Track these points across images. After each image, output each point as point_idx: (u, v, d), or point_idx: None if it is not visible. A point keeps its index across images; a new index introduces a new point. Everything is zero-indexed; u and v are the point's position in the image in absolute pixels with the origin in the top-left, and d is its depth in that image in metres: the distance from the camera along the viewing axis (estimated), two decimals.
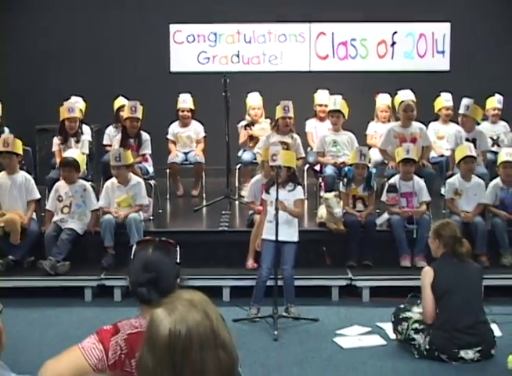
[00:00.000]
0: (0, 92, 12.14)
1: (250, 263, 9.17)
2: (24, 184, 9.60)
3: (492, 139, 11.13)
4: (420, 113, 11.12)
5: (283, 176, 8.42)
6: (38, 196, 9.66)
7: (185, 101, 11.68)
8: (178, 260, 4.07)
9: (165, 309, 2.61)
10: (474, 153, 9.62)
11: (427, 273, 7.28)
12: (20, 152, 9.75)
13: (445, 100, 11.55)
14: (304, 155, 10.75)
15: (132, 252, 4.03)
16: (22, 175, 9.70)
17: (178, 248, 4.11)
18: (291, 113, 10.57)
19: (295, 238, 8.46)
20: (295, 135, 10.64)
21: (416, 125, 10.59)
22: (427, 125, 11.11)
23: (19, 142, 9.79)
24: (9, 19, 13.29)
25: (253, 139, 11.35)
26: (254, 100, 11.67)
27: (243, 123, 11.58)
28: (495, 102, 11.48)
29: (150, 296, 3.66)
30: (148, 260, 3.89)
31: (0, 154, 9.64)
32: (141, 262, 3.89)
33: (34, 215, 9.62)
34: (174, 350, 2.51)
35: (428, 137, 10.71)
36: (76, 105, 11.14)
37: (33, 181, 9.75)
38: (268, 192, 8.51)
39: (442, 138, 11.26)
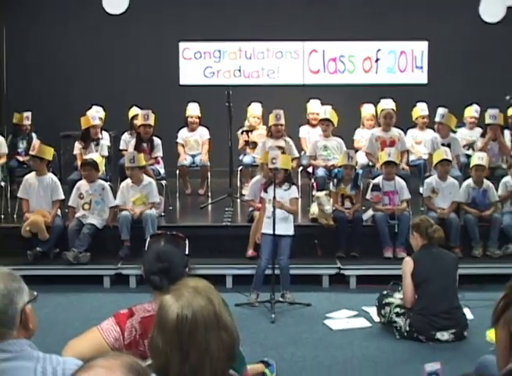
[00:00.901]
0: (29, 102, 12.14)
1: (250, 253, 9.19)
2: (50, 185, 9.58)
3: (468, 143, 11.14)
4: (402, 121, 11.18)
5: (280, 177, 8.45)
6: (62, 196, 9.64)
7: (194, 109, 11.68)
8: (186, 252, 4.08)
9: (173, 295, 2.62)
10: (449, 157, 9.66)
11: (408, 263, 7.30)
12: (47, 157, 9.71)
13: (420, 110, 11.61)
14: (297, 156, 10.75)
15: (146, 244, 4.04)
16: (49, 177, 9.68)
17: (187, 241, 4.12)
18: (282, 121, 10.59)
19: (291, 232, 8.46)
20: (288, 139, 10.65)
21: (394, 130, 10.84)
22: (405, 131, 11.16)
23: (47, 149, 9.76)
24: (40, 38, 13.26)
25: (250, 144, 11.36)
26: (256, 109, 11.68)
27: (242, 129, 11.59)
28: (472, 111, 11.57)
29: (162, 283, 3.67)
30: (160, 251, 3.90)
31: (30, 157, 9.71)
32: (154, 253, 3.90)
33: (59, 212, 9.61)
34: (182, 332, 2.52)
35: (405, 143, 10.89)
36: (96, 114, 11.16)
37: (58, 182, 9.72)
38: (266, 191, 8.51)
39: (420, 143, 11.29)
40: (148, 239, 4.11)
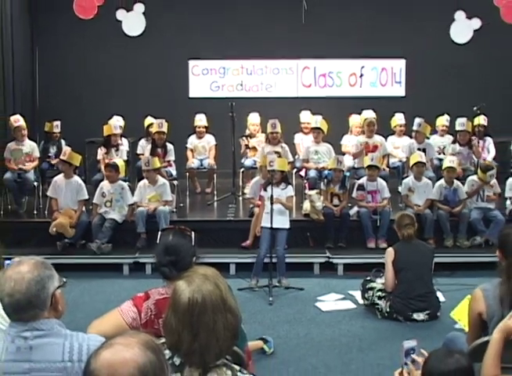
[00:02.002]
0: (58, 112, 12.12)
1: (246, 243, 9.18)
2: (76, 187, 9.57)
3: (439, 148, 11.14)
4: (383, 129, 11.18)
5: (278, 178, 8.48)
6: (87, 196, 9.62)
7: (201, 120, 11.66)
8: (193, 243, 4.07)
9: (185, 281, 2.62)
10: (423, 160, 9.69)
11: (389, 253, 7.34)
12: (75, 163, 9.74)
13: (398, 119, 11.62)
14: (292, 160, 10.70)
15: (158, 238, 4.04)
16: (75, 180, 9.67)
17: (193, 234, 4.11)
18: (278, 129, 10.56)
19: (287, 225, 8.47)
20: (284, 145, 10.63)
21: (377, 137, 10.95)
22: (386, 138, 11.17)
23: (75, 156, 9.78)
24: (67, 57, 13.26)
25: (250, 148, 11.36)
26: (254, 119, 11.66)
27: (243, 136, 11.59)
28: (444, 120, 11.55)
29: (171, 274, 3.68)
30: (168, 245, 3.90)
31: (60, 162, 9.77)
32: (163, 247, 3.90)
33: (84, 208, 9.61)
34: (192, 313, 2.53)
35: (386, 148, 10.96)
36: (117, 123, 11.17)
37: (83, 184, 9.71)
38: (265, 190, 8.51)
39: (398, 148, 11.29)
40: (159, 233, 4.11)
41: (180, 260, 3.75)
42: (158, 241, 4.06)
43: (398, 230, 7.50)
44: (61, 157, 9.83)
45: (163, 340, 2.70)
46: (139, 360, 1.88)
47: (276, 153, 9.72)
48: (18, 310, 2.75)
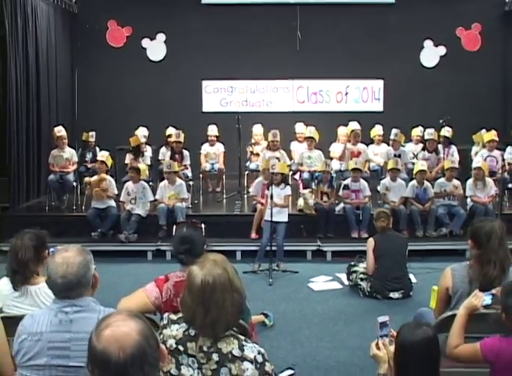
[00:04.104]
0: (93, 124, 12.13)
1: (253, 235, 9.17)
2: (107, 184, 9.59)
3: (413, 154, 11.13)
4: (364, 138, 11.17)
5: (278, 179, 8.49)
6: (116, 192, 9.64)
7: (213, 130, 11.65)
8: (203, 233, 4.08)
9: (198, 266, 2.63)
10: (398, 166, 9.70)
11: (370, 242, 7.34)
12: (108, 163, 9.84)
13: (377, 130, 11.61)
14: (289, 163, 10.66)
15: (174, 230, 4.05)
16: (110, 179, 9.70)
17: (203, 226, 4.13)
18: (278, 138, 10.53)
19: (285, 219, 8.48)
20: (282, 151, 10.60)
21: (360, 145, 10.94)
22: (367, 145, 11.17)
23: (109, 158, 9.91)
24: (101, 77, 13.29)
25: (254, 154, 11.35)
26: (257, 129, 11.65)
27: (248, 143, 11.60)
28: (418, 131, 11.57)
29: (187, 260, 3.68)
30: (183, 236, 3.90)
31: (97, 162, 9.84)
32: (179, 238, 3.90)
33: (114, 204, 9.60)
34: (205, 293, 2.53)
35: (368, 154, 10.96)
36: (142, 133, 11.17)
37: (114, 182, 9.74)
38: (268, 189, 8.50)
39: (377, 154, 11.28)
40: (175, 226, 4.13)
41: (193, 248, 3.75)
42: (174, 233, 4.08)
43: (375, 222, 7.53)
44: (99, 157, 9.90)
45: (179, 315, 2.71)
46: (137, 328, 1.88)
47: (276, 158, 9.72)
48: (68, 289, 2.76)
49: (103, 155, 9.85)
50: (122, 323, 1.88)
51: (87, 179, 9.87)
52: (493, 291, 3.61)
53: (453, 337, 3.46)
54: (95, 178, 9.61)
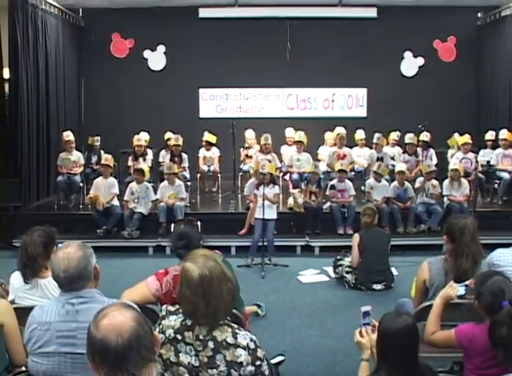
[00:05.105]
0: (99, 129, 12.08)
1: (242, 231, 9.15)
2: (111, 184, 9.60)
3: (391, 157, 11.14)
4: (349, 142, 11.19)
5: (268, 179, 8.45)
6: (118, 191, 9.63)
7: (206, 137, 11.52)
8: (199, 230, 4.08)
9: (191, 262, 2.63)
10: (379, 171, 9.61)
11: (355, 238, 7.34)
12: (111, 166, 9.82)
13: (360, 134, 11.59)
14: (279, 166, 10.69)
15: (172, 228, 4.03)
16: (112, 180, 9.68)
17: (199, 223, 4.12)
18: (269, 141, 10.51)
19: (275, 216, 8.46)
20: (273, 154, 10.57)
21: (345, 148, 10.96)
22: (351, 148, 11.18)
23: (112, 160, 9.89)
24: (105, 86, 13.27)
25: (248, 157, 11.33)
26: (250, 134, 11.66)
27: (243, 147, 11.60)
28: (395, 135, 11.54)
29: (185, 255, 3.64)
30: (181, 232, 3.89)
31: (102, 166, 9.79)
32: (177, 234, 3.89)
33: (118, 203, 9.58)
34: (204, 285, 2.54)
35: (352, 157, 10.95)
36: (143, 137, 11.16)
37: (116, 182, 9.73)
38: (258, 189, 8.50)
39: (360, 156, 11.26)
40: (173, 224, 4.11)
41: (191, 243, 3.74)
42: (172, 230, 4.06)
43: (362, 217, 7.51)
44: (103, 161, 9.85)
45: (177, 306, 2.71)
46: (132, 316, 1.89)
47: (268, 160, 9.70)
48: (71, 282, 2.77)
49: (107, 158, 9.81)
50: (117, 313, 1.90)
51: (91, 195, 9.68)
52: (467, 283, 3.64)
53: (430, 325, 3.49)
54: (91, 195, 9.51)
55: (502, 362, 2.94)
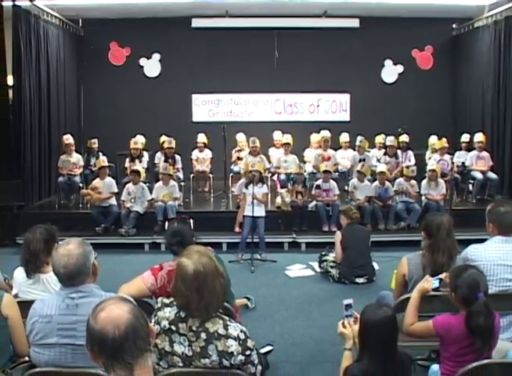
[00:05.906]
0: (97, 132, 12.05)
1: (237, 229, 9.13)
2: (109, 185, 9.54)
3: (377, 158, 11.17)
4: (334, 144, 11.20)
5: (256, 179, 8.44)
6: (116, 190, 9.58)
7: (201, 138, 11.59)
8: (192, 227, 4.07)
9: (186, 257, 2.62)
10: (362, 170, 9.66)
11: (338, 235, 7.34)
12: (105, 165, 9.76)
13: (344, 137, 11.57)
14: (268, 167, 10.68)
15: (166, 225, 4.02)
16: (109, 180, 9.63)
17: (191, 220, 4.12)
18: (257, 144, 10.43)
19: (263, 214, 8.42)
20: (262, 156, 10.52)
21: (330, 150, 10.89)
22: (335, 150, 11.16)
23: (106, 161, 9.83)
24: (103, 91, 13.22)
25: (239, 159, 11.31)
26: (241, 137, 11.62)
27: (235, 149, 11.58)
28: (381, 138, 11.54)
29: (178, 251, 3.65)
30: (174, 230, 3.88)
31: (99, 168, 9.69)
32: (171, 232, 3.88)
33: (115, 202, 9.54)
34: (198, 280, 2.55)
35: (336, 158, 10.92)
36: (139, 140, 11.11)
37: (114, 183, 9.68)
38: (246, 188, 8.49)
39: (344, 158, 11.28)
40: (167, 222, 4.10)
41: (184, 240, 3.74)
42: (166, 228, 4.04)
43: (346, 217, 7.47)
44: (98, 165, 9.80)
45: (171, 299, 2.71)
46: (128, 309, 1.90)
47: (257, 161, 9.70)
48: (71, 277, 2.76)
49: (101, 161, 9.73)
50: (114, 306, 1.90)
51: (83, 191, 9.72)
52: (440, 276, 3.66)
53: (408, 316, 3.51)
54: (88, 190, 9.48)
55: (480, 348, 2.97)
